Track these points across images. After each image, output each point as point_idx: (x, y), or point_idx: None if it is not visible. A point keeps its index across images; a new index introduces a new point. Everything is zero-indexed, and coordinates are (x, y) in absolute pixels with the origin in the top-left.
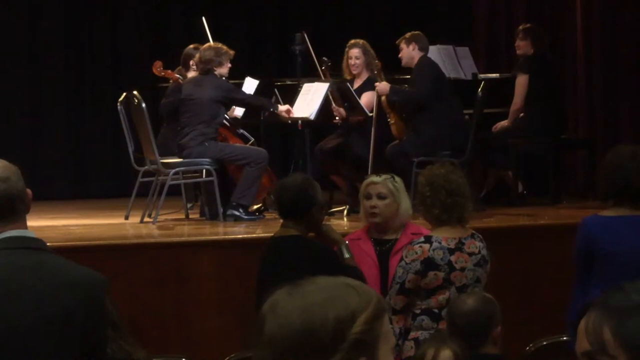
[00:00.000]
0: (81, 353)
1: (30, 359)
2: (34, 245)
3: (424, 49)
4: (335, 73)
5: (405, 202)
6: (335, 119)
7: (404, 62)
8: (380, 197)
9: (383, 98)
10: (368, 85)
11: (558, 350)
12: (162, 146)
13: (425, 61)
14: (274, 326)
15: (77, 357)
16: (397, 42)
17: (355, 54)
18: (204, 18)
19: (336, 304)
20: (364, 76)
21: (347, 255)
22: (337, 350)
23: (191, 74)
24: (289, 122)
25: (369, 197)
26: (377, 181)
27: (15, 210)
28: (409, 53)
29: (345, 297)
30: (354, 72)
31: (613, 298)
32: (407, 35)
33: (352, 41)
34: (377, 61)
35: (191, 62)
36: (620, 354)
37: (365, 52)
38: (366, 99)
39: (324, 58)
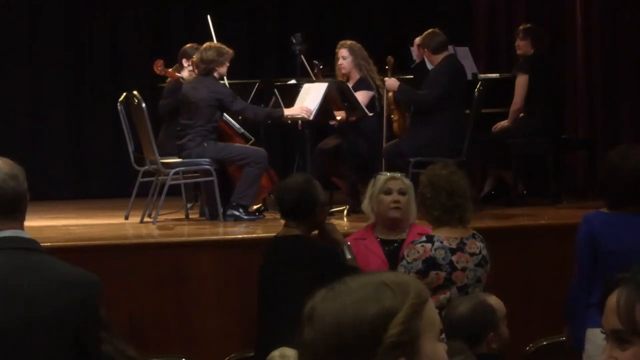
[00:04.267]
0: (74, 353)
1: (24, 359)
2: (29, 245)
3: (439, 49)
4: (331, 73)
5: (414, 201)
6: (336, 120)
7: (429, 65)
8: (402, 192)
9: (390, 94)
10: (360, 86)
11: (558, 350)
12: (161, 147)
13: (445, 66)
14: (311, 333)
15: (70, 357)
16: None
17: (342, 54)
18: (209, 16)
19: (367, 306)
20: (356, 77)
21: (348, 256)
22: (375, 353)
23: (184, 72)
24: (289, 122)
25: (389, 192)
26: (398, 177)
27: (19, 209)
28: (426, 57)
29: (378, 297)
30: (343, 72)
31: None
32: (421, 38)
33: (341, 42)
34: (389, 58)
35: (183, 61)
36: None
37: (352, 52)
38: (360, 99)
39: (314, 61)
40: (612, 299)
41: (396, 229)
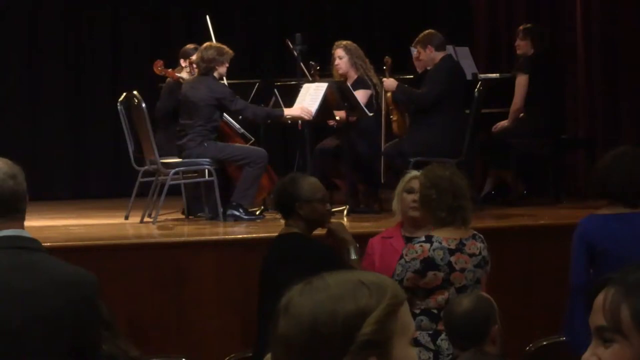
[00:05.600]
0: (71, 352)
1: (20, 359)
2: (28, 245)
3: (441, 47)
4: (328, 74)
5: None
6: (336, 120)
7: (428, 66)
8: None
9: (389, 94)
10: (358, 85)
11: (558, 350)
12: (159, 148)
13: (444, 65)
14: (286, 325)
15: (67, 357)
16: (412, 46)
17: (338, 54)
18: (207, 17)
19: (344, 303)
20: (353, 76)
21: (353, 257)
22: (347, 351)
23: (183, 72)
24: (289, 122)
25: (411, 191)
26: None
27: (18, 209)
28: (427, 56)
29: (354, 295)
30: (340, 72)
31: (633, 275)
32: (420, 37)
33: (336, 42)
34: (386, 58)
35: (181, 61)
36: (635, 336)
37: (348, 51)
38: (359, 98)
39: (311, 62)
40: (600, 298)
41: (421, 227)
